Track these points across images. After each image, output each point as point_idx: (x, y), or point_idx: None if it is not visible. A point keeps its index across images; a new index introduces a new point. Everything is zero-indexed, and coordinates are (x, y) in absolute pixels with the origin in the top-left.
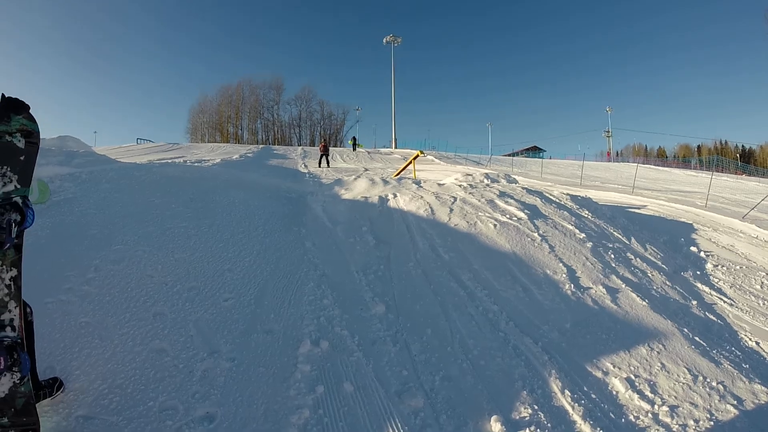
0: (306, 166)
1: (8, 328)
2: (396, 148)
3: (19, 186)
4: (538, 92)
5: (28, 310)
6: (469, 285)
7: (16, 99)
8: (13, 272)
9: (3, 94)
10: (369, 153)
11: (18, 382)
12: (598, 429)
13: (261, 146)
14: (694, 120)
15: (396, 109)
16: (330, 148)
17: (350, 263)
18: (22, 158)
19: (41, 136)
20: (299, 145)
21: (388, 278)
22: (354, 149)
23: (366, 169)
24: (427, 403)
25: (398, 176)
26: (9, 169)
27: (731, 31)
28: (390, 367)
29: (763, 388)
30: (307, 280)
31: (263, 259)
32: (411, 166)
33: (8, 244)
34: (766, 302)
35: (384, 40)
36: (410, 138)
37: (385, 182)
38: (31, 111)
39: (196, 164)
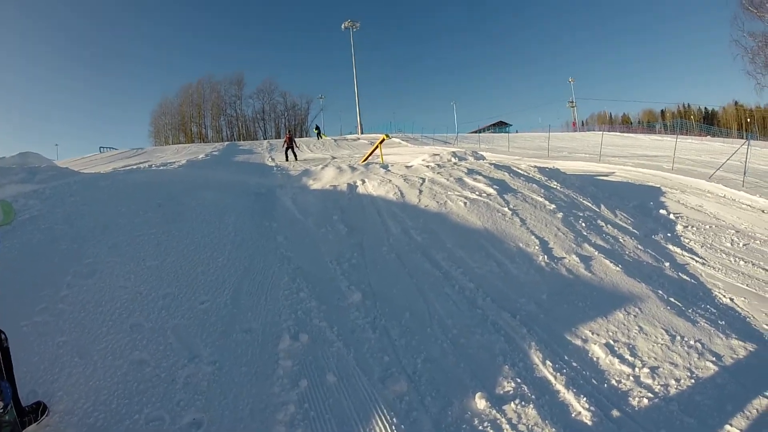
0: (273, 159)
1: None
2: (362, 133)
3: None
4: (500, 66)
5: (3, 336)
6: (444, 265)
7: None
8: None
9: None
10: (335, 141)
11: (1, 411)
12: (582, 396)
13: (226, 143)
14: (657, 85)
15: (360, 95)
16: (296, 140)
17: (324, 254)
18: None
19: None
20: (265, 138)
21: (362, 266)
22: (319, 137)
23: (334, 158)
24: (411, 386)
25: (365, 162)
26: None
27: None
28: (371, 354)
29: (740, 342)
30: (281, 274)
31: (236, 257)
32: (378, 151)
33: None
34: (737, 259)
35: (342, 26)
36: (376, 122)
37: (353, 169)
38: None
39: (161, 168)
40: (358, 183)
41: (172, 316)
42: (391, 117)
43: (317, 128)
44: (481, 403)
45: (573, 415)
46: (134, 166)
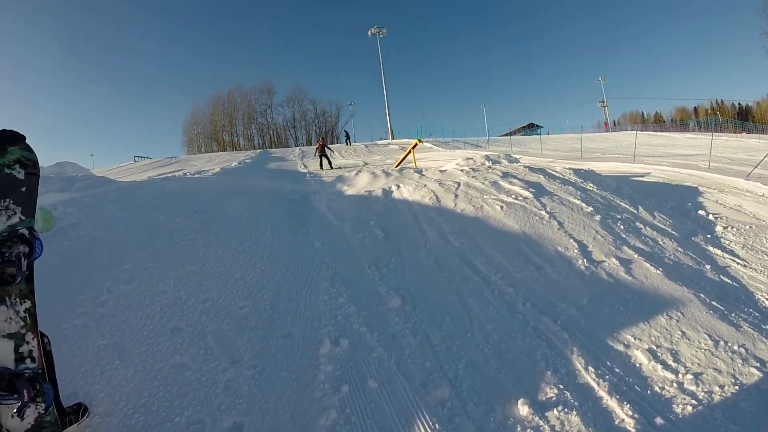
0: (305, 166)
1: (28, 360)
2: (393, 139)
3: (23, 217)
4: (529, 68)
5: (46, 339)
6: (483, 269)
7: (10, 131)
8: (27, 304)
9: None
10: (366, 146)
11: (43, 412)
12: (625, 403)
13: (258, 151)
14: (689, 81)
15: (389, 100)
16: (329, 146)
17: (361, 259)
18: (23, 189)
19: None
20: (296, 146)
21: (400, 270)
22: (348, 143)
23: (365, 163)
24: (453, 392)
25: (398, 167)
26: (12, 201)
27: None
28: (412, 359)
29: None
30: (320, 279)
31: (274, 263)
32: (411, 156)
33: (19, 277)
34: None
35: (369, 33)
36: (406, 127)
37: (387, 174)
38: (27, 141)
39: (196, 176)
40: (393, 188)
41: (212, 321)
42: (421, 122)
43: (347, 134)
44: (523, 409)
45: (616, 423)
46: (169, 175)
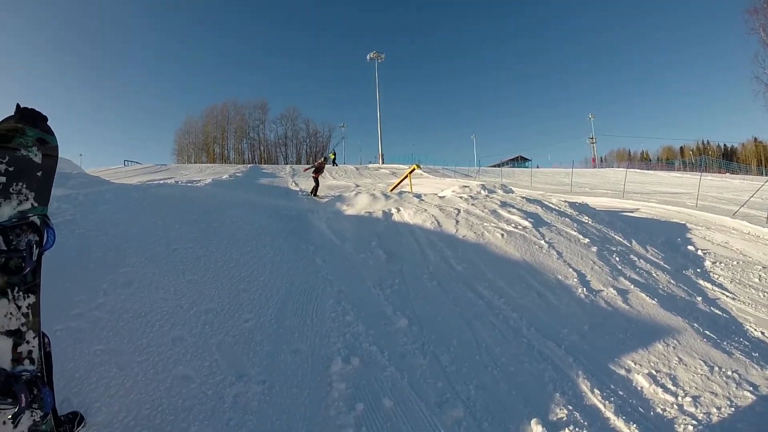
0: (296, 184)
1: (27, 361)
2: (383, 163)
3: (36, 204)
4: (521, 102)
5: (46, 340)
6: (486, 294)
7: (33, 109)
8: (31, 299)
9: (18, 104)
10: (357, 169)
11: (39, 420)
12: (632, 423)
13: (249, 165)
14: (676, 122)
15: (382, 126)
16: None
17: (365, 278)
18: (39, 174)
19: None
20: (287, 163)
21: (405, 292)
22: (335, 164)
23: (357, 185)
24: (467, 412)
25: (395, 190)
26: (25, 185)
27: (709, 31)
28: (424, 379)
29: None
30: (325, 296)
31: (277, 277)
32: (407, 180)
33: (28, 268)
34: (765, 294)
35: (368, 57)
36: (396, 153)
37: (386, 197)
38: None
39: (188, 184)
40: (393, 211)
41: (215, 333)
42: (411, 149)
43: (334, 154)
44: (537, 428)
45: None
46: (160, 181)
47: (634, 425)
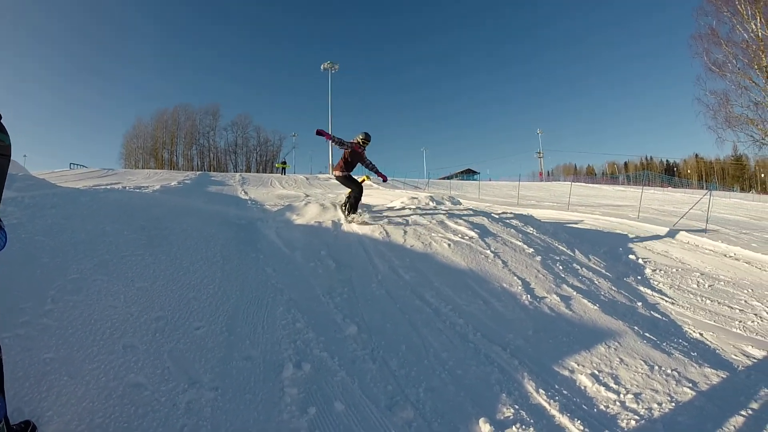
0: (246, 192)
1: None
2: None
3: None
4: (472, 116)
5: None
6: (433, 302)
7: None
8: None
9: None
10: (307, 179)
11: None
12: (576, 420)
13: (198, 173)
14: (621, 139)
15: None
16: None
17: (315, 287)
18: None
19: None
20: (236, 171)
21: (354, 300)
22: (283, 173)
23: (307, 195)
24: (417, 413)
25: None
26: None
27: (654, 50)
28: (374, 383)
29: (712, 371)
30: (275, 304)
31: (227, 285)
32: None
33: None
34: (703, 298)
35: (322, 67)
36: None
37: (336, 207)
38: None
39: (136, 190)
40: (343, 221)
41: (167, 340)
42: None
43: (284, 163)
44: (485, 427)
45: None
46: (107, 186)
47: (578, 421)
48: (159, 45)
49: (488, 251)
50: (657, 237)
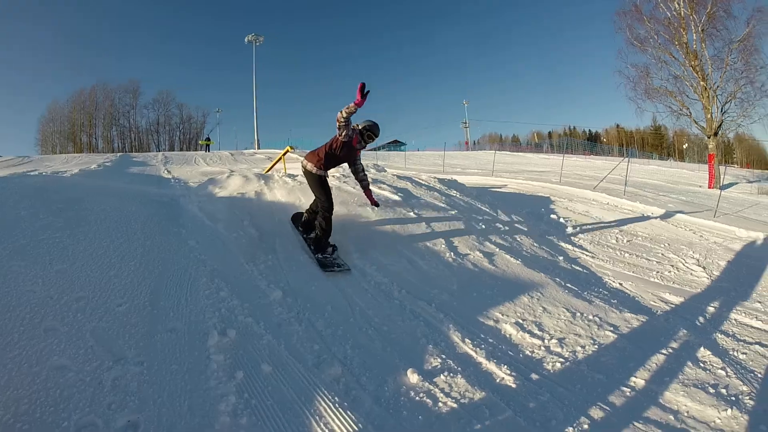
0: (169, 171)
1: None
2: (259, 148)
3: None
4: (397, 88)
5: None
6: (359, 264)
7: None
8: None
9: None
10: (232, 155)
11: None
12: (503, 365)
13: (119, 154)
14: (546, 109)
15: (258, 110)
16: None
17: (238, 256)
18: None
19: None
20: (159, 150)
21: (278, 266)
22: (207, 150)
23: (232, 171)
24: (345, 369)
25: (269, 172)
26: None
27: (580, 27)
28: (301, 344)
29: (632, 315)
30: (198, 276)
31: (149, 261)
32: (281, 163)
33: None
34: (622, 252)
35: (246, 39)
36: (272, 138)
37: (259, 178)
38: None
39: (54, 175)
40: (266, 191)
41: (89, 319)
42: (288, 134)
43: (208, 140)
44: (413, 377)
45: (498, 381)
46: (23, 174)
47: (505, 366)
48: (69, 22)
49: (412, 213)
50: (578, 198)
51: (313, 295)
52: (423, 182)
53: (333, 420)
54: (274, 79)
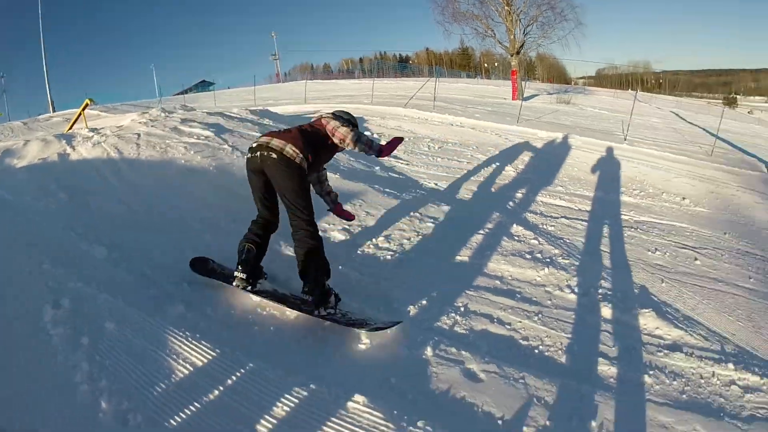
0: None
1: None
2: (55, 111)
3: None
4: (203, 26)
5: None
6: (177, 204)
7: None
8: None
9: None
10: (26, 124)
11: None
12: (339, 266)
13: None
14: (356, 36)
15: (48, 68)
16: None
17: (53, 223)
18: None
19: None
20: None
21: (97, 225)
22: None
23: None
24: (187, 306)
25: (70, 130)
26: None
27: None
28: (136, 293)
29: (448, 206)
30: (14, 255)
31: None
32: (82, 118)
33: None
34: (434, 157)
35: None
36: (70, 98)
37: (60, 138)
38: None
39: None
40: (69, 151)
41: None
42: (85, 89)
43: None
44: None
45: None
46: None
47: (340, 267)
48: None
49: (226, 146)
50: (391, 116)
51: (138, 245)
52: (234, 115)
53: (191, 354)
54: (67, 33)
